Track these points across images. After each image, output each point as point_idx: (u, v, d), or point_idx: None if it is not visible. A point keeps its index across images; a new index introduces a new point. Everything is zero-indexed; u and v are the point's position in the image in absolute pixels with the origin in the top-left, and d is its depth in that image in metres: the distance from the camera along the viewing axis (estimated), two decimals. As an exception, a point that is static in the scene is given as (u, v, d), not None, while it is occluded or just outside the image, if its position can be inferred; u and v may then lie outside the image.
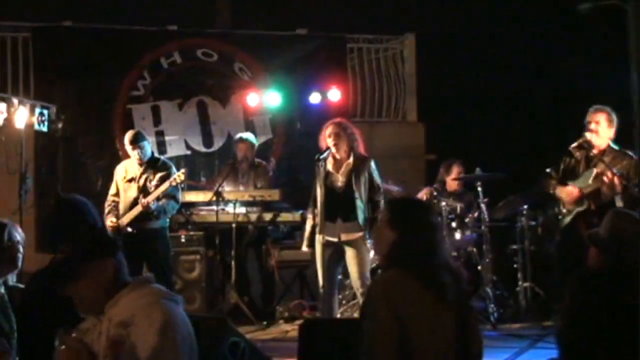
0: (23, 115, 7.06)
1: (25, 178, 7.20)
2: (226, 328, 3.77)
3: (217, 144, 9.21)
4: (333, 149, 6.24)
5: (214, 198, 7.58)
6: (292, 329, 7.04)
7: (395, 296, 3.05)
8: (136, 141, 6.95)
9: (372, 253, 6.30)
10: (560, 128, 7.80)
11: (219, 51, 9.28)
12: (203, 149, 9.20)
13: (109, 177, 7.37)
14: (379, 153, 8.55)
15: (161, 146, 8.94)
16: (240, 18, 10.66)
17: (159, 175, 6.93)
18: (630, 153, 6.11)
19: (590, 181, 6.14)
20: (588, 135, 6.18)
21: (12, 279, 4.02)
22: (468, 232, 7.65)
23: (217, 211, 7.60)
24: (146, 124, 8.88)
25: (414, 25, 10.29)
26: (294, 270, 7.95)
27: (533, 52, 9.75)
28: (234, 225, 7.64)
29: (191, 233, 7.83)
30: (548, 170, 6.44)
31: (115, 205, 7.03)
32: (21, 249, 4.02)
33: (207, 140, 9.21)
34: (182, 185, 7.15)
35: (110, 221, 6.89)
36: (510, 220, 7.97)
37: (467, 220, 7.64)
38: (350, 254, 6.22)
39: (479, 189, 7.48)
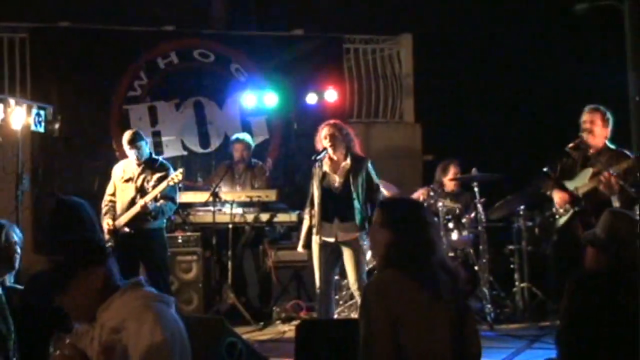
0: (20, 116, 7.03)
1: (21, 178, 7.16)
2: (223, 329, 3.77)
3: (214, 144, 9.19)
4: (330, 150, 6.23)
5: (211, 199, 7.59)
6: (289, 330, 7.04)
7: (391, 296, 3.04)
8: (134, 141, 6.93)
9: (369, 254, 6.30)
10: (558, 128, 7.79)
11: (215, 52, 9.28)
12: (200, 150, 9.18)
13: (105, 178, 7.34)
14: (376, 154, 8.58)
15: (158, 147, 8.91)
16: (236, 19, 10.66)
17: (156, 175, 6.91)
18: (627, 152, 6.12)
19: (586, 181, 6.14)
20: (584, 135, 6.18)
21: (9, 279, 4.01)
22: (465, 233, 7.64)
23: (214, 212, 7.62)
24: (143, 124, 8.84)
25: (411, 25, 10.28)
26: (290, 271, 7.94)
27: (530, 52, 9.76)
28: (230, 225, 7.65)
29: (188, 233, 7.81)
30: (545, 169, 6.43)
31: (113, 205, 7.01)
32: (19, 250, 4.01)
33: (204, 141, 9.19)
34: (180, 186, 7.14)
35: (107, 223, 6.87)
36: (507, 220, 7.99)
37: (464, 220, 7.63)
38: (347, 254, 6.21)
39: (476, 189, 7.47)
